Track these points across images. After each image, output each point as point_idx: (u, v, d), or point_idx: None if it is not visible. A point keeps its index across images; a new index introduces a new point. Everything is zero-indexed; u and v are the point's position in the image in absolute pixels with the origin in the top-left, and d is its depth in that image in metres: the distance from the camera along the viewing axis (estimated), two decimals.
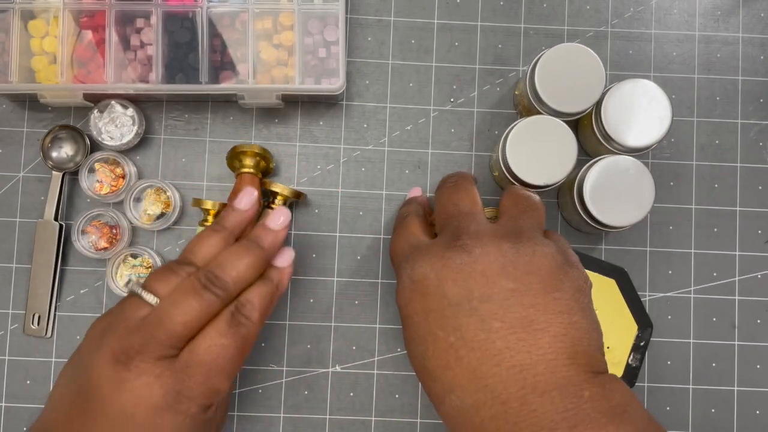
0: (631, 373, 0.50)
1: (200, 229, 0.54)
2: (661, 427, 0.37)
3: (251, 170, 0.53)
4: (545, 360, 0.36)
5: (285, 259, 0.46)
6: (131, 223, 0.55)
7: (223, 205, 0.54)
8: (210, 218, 0.54)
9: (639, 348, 0.50)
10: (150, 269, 0.55)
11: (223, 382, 0.40)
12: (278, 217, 0.45)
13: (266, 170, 0.55)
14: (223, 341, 0.40)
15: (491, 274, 0.38)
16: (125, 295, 0.45)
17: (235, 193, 0.53)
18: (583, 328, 0.37)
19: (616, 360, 0.50)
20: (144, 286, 0.41)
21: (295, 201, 0.56)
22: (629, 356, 0.50)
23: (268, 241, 0.44)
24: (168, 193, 0.55)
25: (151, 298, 0.41)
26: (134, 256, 0.55)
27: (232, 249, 0.43)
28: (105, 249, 0.54)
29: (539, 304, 0.37)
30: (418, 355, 0.39)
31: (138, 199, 0.55)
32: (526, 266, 0.38)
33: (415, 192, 0.53)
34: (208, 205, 0.53)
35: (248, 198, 0.46)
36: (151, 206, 0.55)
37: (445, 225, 0.42)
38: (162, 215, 0.55)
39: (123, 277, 0.55)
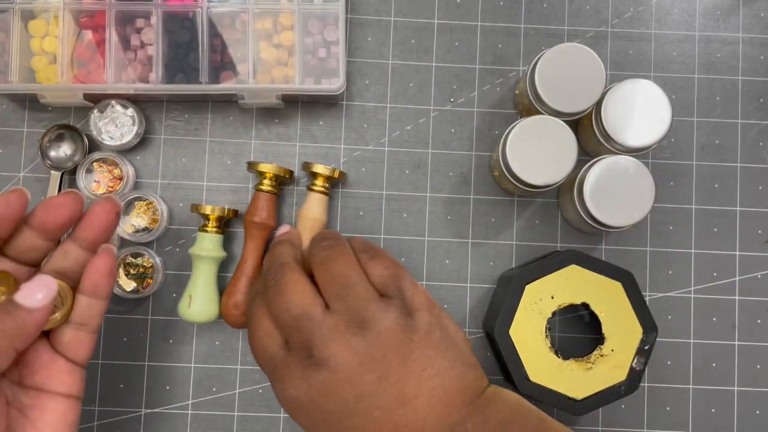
0: (635, 377, 0.50)
1: (202, 234, 0.53)
2: (553, 422, 0.39)
3: (271, 188, 0.54)
4: (429, 421, 0.38)
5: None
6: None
7: (223, 210, 0.54)
8: (210, 223, 0.54)
9: (643, 352, 0.50)
10: (151, 269, 0.55)
11: None
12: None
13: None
14: None
15: (354, 376, 0.39)
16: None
17: (254, 206, 0.54)
18: (448, 370, 0.40)
19: (620, 363, 0.50)
20: None
21: (336, 181, 0.56)
22: (633, 360, 0.50)
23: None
24: (156, 211, 0.55)
25: None
26: (134, 256, 0.55)
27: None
28: None
29: (403, 376, 0.39)
30: None
31: (125, 212, 0.55)
32: (379, 350, 0.39)
33: (283, 230, 0.52)
34: (207, 210, 0.53)
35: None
36: (137, 219, 0.55)
37: (289, 335, 0.41)
38: (146, 229, 0.55)
39: (123, 277, 0.55)
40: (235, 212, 0.55)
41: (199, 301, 0.53)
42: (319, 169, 0.53)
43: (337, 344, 0.39)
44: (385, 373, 0.39)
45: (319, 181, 0.54)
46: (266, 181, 0.54)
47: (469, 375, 0.41)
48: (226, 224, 0.55)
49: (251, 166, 0.54)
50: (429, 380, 0.39)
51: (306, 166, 0.54)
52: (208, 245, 0.53)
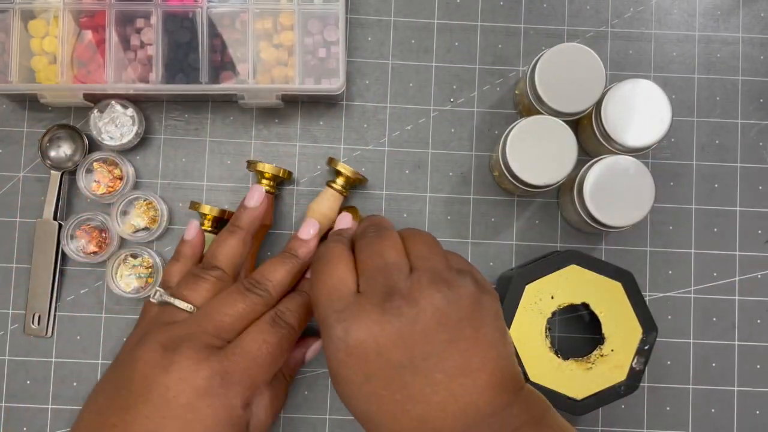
0: (635, 377, 0.50)
1: None
2: (573, 429, 0.41)
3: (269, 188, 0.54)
4: (484, 397, 0.39)
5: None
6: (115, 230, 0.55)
7: (221, 211, 0.54)
8: (207, 222, 0.54)
9: (643, 352, 0.50)
10: (150, 269, 0.55)
11: (262, 375, 0.44)
12: (309, 228, 0.50)
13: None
14: (266, 337, 0.44)
15: (429, 331, 0.39)
16: (154, 302, 0.48)
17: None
18: (508, 356, 0.41)
19: (620, 363, 0.50)
20: (175, 296, 0.46)
21: (359, 185, 0.56)
22: (633, 360, 0.50)
23: (301, 251, 0.49)
24: (156, 211, 0.55)
25: (185, 306, 0.45)
26: (134, 256, 0.55)
27: (271, 260, 0.48)
28: (94, 253, 0.54)
29: (472, 346, 0.39)
30: (361, 410, 0.40)
31: (125, 212, 0.55)
32: (457, 313, 0.40)
33: (345, 221, 0.49)
34: (206, 209, 0.53)
35: (258, 195, 0.51)
36: (137, 218, 0.55)
37: (371, 279, 0.41)
38: (145, 229, 0.55)
39: (123, 277, 0.55)
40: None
41: None
42: (344, 169, 0.53)
43: (422, 295, 0.39)
44: (456, 337, 0.39)
45: (341, 180, 0.54)
46: (264, 181, 0.54)
47: (517, 367, 0.42)
48: (222, 225, 0.55)
49: (250, 164, 0.54)
50: (493, 359, 0.40)
51: (332, 161, 0.54)
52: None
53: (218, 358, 0.42)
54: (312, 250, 0.49)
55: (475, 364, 0.39)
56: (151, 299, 0.47)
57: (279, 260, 0.48)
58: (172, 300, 0.46)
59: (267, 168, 0.53)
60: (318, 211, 0.53)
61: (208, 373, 0.41)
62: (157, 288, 0.47)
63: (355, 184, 0.55)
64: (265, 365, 0.44)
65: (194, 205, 0.54)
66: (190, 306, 0.45)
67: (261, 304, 0.45)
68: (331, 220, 0.53)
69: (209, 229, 0.53)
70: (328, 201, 0.53)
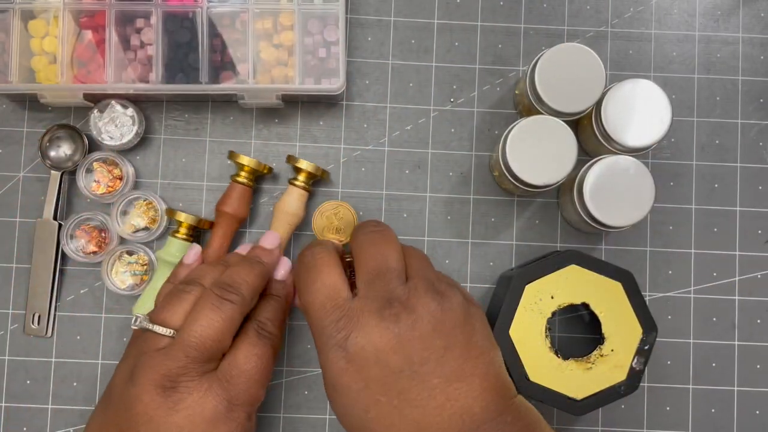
0: (635, 377, 0.50)
1: (172, 239, 0.54)
2: None
3: (246, 180, 0.54)
4: (479, 401, 0.40)
5: (283, 271, 0.50)
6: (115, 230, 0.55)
7: (197, 220, 0.54)
8: (182, 230, 0.53)
9: (643, 352, 0.50)
10: (146, 267, 0.55)
11: (261, 389, 0.45)
12: (271, 239, 0.50)
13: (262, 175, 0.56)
14: (257, 351, 0.44)
15: (426, 337, 0.40)
16: (134, 327, 0.47)
17: (228, 196, 0.54)
18: (499, 363, 0.42)
19: (620, 363, 0.50)
20: (154, 321, 0.45)
21: (319, 179, 0.56)
22: (633, 360, 0.50)
23: (266, 260, 0.49)
24: (156, 211, 0.55)
25: (165, 331, 0.44)
26: (129, 254, 0.55)
27: (238, 264, 0.47)
28: (94, 253, 0.54)
29: (466, 352, 0.41)
30: (357, 419, 0.41)
31: (125, 212, 0.55)
32: (450, 321, 0.41)
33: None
34: (181, 217, 0.53)
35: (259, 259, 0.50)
36: (137, 218, 0.55)
37: (370, 282, 0.42)
38: (145, 229, 0.55)
39: (118, 274, 0.55)
40: (211, 224, 0.55)
41: (148, 304, 0.52)
42: (304, 165, 0.53)
43: (419, 302, 0.41)
44: (451, 343, 0.40)
45: (302, 177, 0.54)
46: (243, 173, 0.54)
47: (508, 377, 0.43)
48: (198, 233, 0.55)
49: (231, 156, 0.54)
50: (485, 365, 0.41)
51: (290, 159, 0.54)
52: (175, 252, 0.53)
53: (219, 384, 0.43)
54: (276, 260, 0.50)
55: (469, 369, 0.40)
56: (132, 326, 0.46)
57: (247, 264, 0.47)
58: (151, 327, 0.44)
59: (246, 161, 0.53)
60: (284, 211, 0.53)
61: (214, 402, 0.42)
62: (136, 314, 0.46)
63: (317, 178, 0.55)
64: (262, 379, 0.45)
65: (170, 213, 0.54)
66: (169, 331, 0.44)
67: (237, 311, 0.44)
68: (298, 218, 0.54)
69: (184, 236, 0.53)
70: (292, 198, 0.54)
